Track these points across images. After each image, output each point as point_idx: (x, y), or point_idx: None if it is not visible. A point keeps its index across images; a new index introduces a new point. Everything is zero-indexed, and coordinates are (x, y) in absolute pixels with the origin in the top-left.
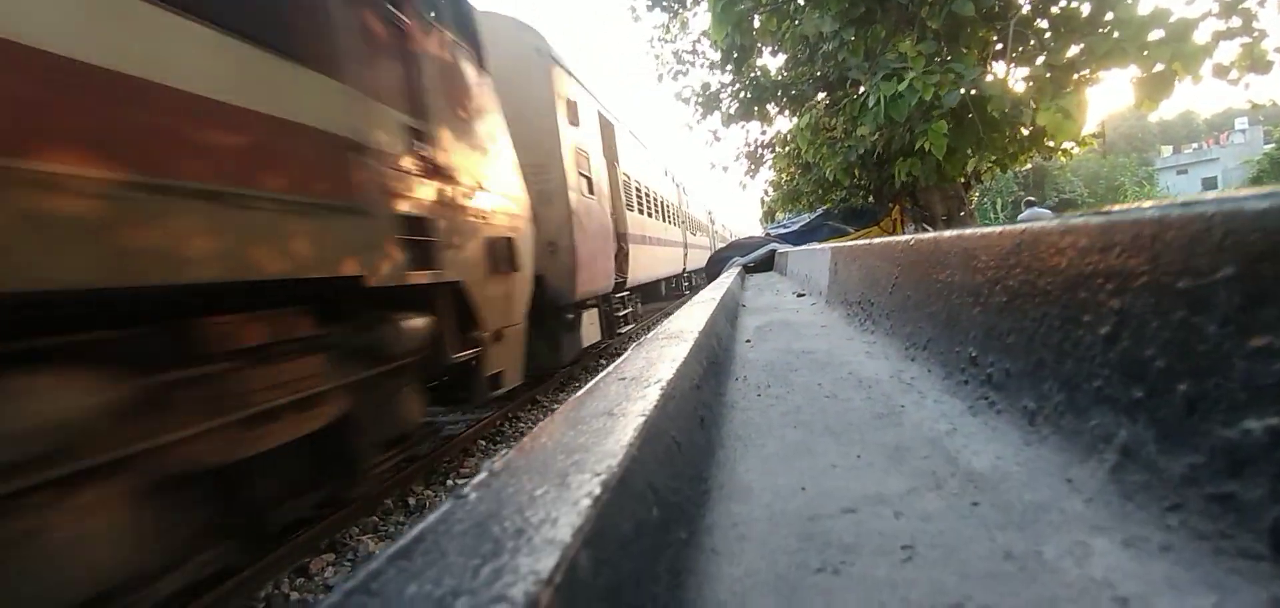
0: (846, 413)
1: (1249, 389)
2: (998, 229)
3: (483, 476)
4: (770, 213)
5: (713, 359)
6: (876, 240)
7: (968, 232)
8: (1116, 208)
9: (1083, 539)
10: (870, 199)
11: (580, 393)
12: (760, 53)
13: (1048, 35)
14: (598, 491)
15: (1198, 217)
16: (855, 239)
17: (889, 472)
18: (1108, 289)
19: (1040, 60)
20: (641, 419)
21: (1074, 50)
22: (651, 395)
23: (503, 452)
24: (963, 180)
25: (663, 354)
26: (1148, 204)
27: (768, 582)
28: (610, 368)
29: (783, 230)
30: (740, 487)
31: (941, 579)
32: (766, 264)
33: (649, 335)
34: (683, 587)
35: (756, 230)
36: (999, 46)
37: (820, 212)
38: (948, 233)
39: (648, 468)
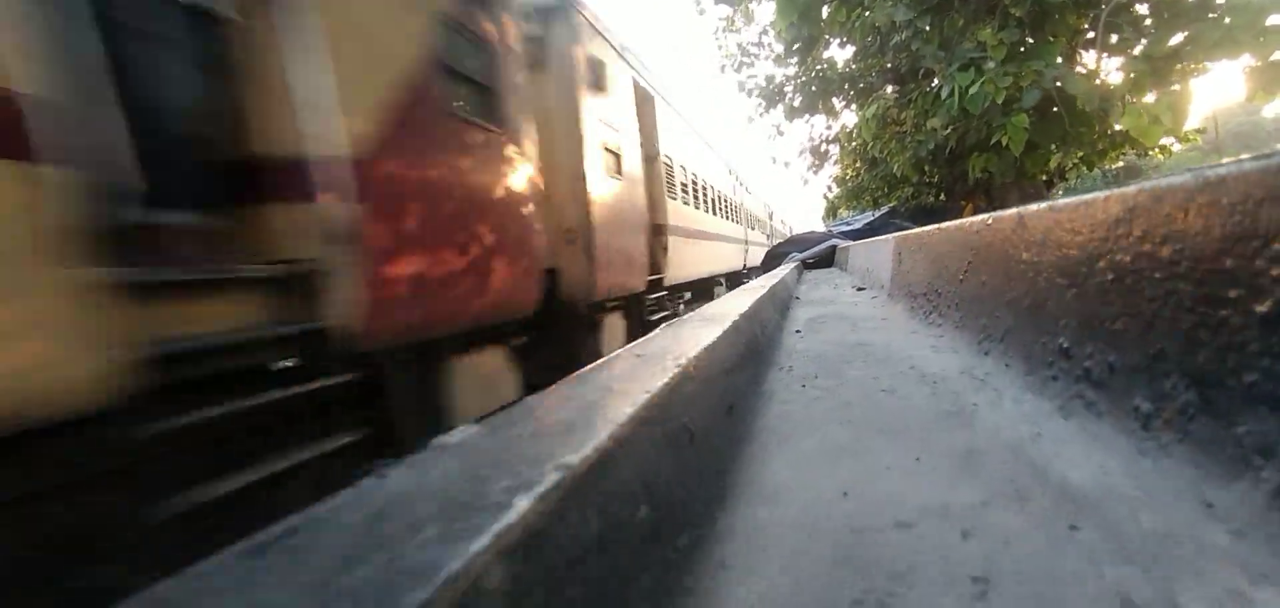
0: (906, 411)
1: None
2: (1102, 194)
3: (426, 450)
4: (833, 209)
5: (753, 346)
6: (946, 224)
7: (1061, 201)
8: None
9: (1236, 588)
10: (941, 197)
11: (586, 369)
12: (827, 44)
13: (1148, 22)
14: (548, 484)
15: None
16: None
17: (957, 481)
18: (1269, 253)
19: (1138, 50)
20: (645, 397)
21: (1177, 38)
22: (664, 376)
23: (470, 426)
24: (1045, 179)
25: (693, 335)
26: None
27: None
28: (630, 345)
29: (845, 228)
30: (768, 489)
31: None
32: (826, 260)
33: (685, 317)
34: (688, 575)
35: (818, 228)
36: (1090, 35)
37: (886, 210)
38: (1033, 206)
39: (642, 458)
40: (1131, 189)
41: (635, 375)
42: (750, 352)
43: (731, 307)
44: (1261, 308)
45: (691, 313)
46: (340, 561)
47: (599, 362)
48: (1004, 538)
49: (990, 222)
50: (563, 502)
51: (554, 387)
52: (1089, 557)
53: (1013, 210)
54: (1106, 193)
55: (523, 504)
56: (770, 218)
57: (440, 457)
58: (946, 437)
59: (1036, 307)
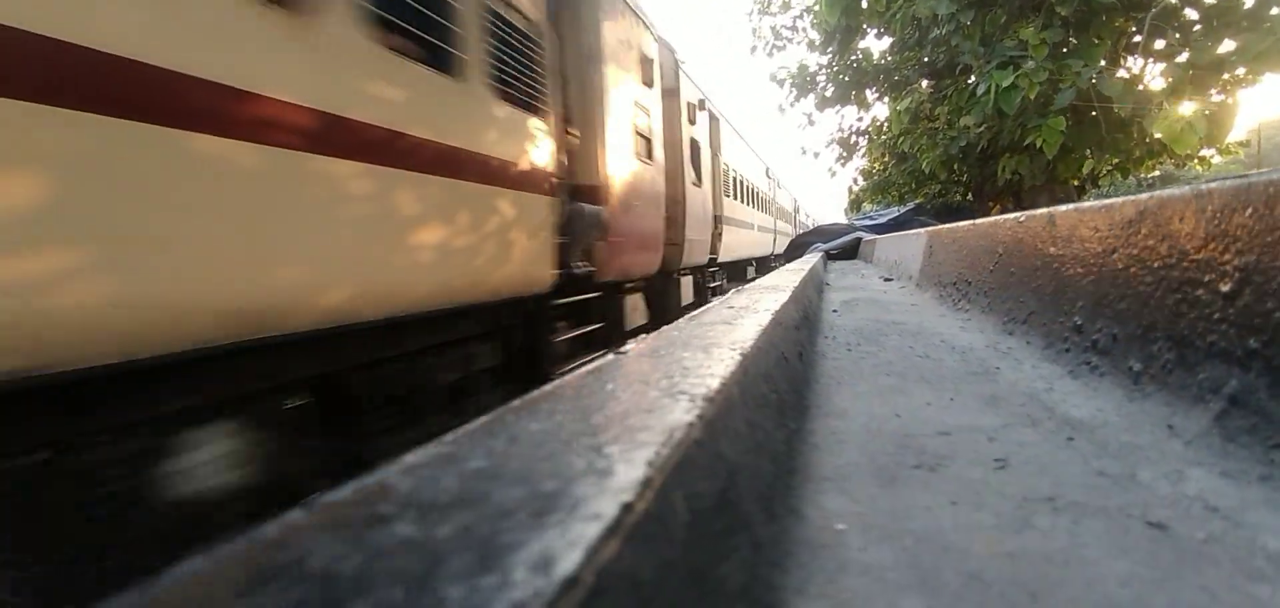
0: (939, 370)
1: None
2: (1120, 200)
3: (648, 339)
4: (857, 203)
5: (807, 313)
6: (980, 221)
7: (1086, 204)
8: (1253, 174)
9: (1179, 468)
10: (968, 197)
11: (696, 313)
12: (864, 34)
13: (1197, 28)
14: (737, 355)
15: None
16: None
17: (983, 412)
18: (1235, 247)
19: (1182, 57)
20: (758, 327)
21: (1226, 46)
22: (765, 318)
23: (682, 319)
24: (1077, 184)
25: (764, 299)
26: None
27: (868, 469)
28: (716, 302)
29: (869, 222)
30: (836, 409)
31: (1035, 484)
32: (850, 252)
33: (746, 286)
34: (795, 455)
35: (840, 220)
36: (1136, 38)
37: (911, 206)
38: (1063, 207)
39: (767, 362)
40: (1144, 197)
41: (739, 319)
42: (805, 318)
43: (784, 281)
44: (1224, 287)
45: (752, 282)
46: (640, 385)
47: (702, 310)
48: (1018, 443)
49: (1023, 220)
50: (746, 366)
51: (679, 323)
52: (1079, 454)
53: (1045, 210)
54: (1124, 199)
55: (731, 357)
56: (796, 211)
57: (680, 327)
58: (974, 386)
59: (1057, 292)
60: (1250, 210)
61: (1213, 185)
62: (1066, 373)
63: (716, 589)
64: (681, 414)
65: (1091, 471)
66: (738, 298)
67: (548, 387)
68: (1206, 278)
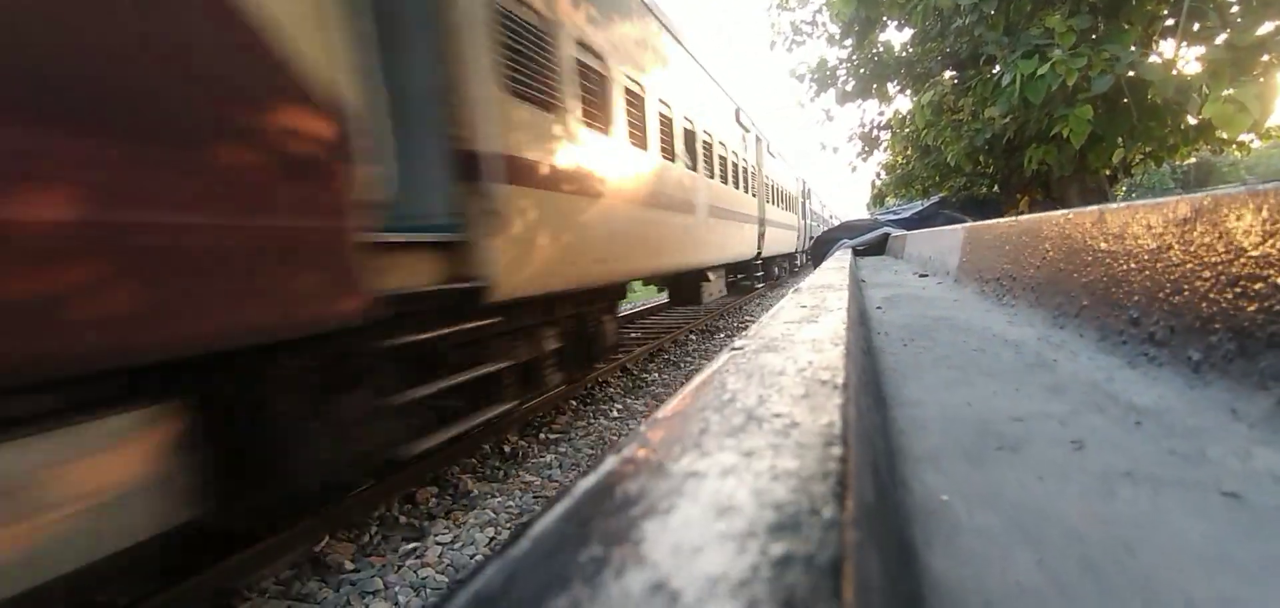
0: (997, 363)
1: None
2: (1173, 199)
3: (740, 341)
4: (880, 197)
5: (862, 309)
6: (1023, 217)
7: (1138, 203)
8: None
9: (1246, 447)
10: (995, 188)
11: (772, 309)
12: (884, 26)
13: (1234, 10)
14: (842, 350)
15: None
16: None
17: (1049, 400)
18: None
19: (1221, 39)
20: (842, 322)
21: (1268, 27)
22: (839, 315)
23: (743, 332)
24: (1108, 173)
25: (829, 298)
26: None
27: (954, 450)
28: (783, 301)
29: (893, 217)
30: (909, 399)
31: (1112, 461)
32: (877, 248)
33: (804, 283)
34: (888, 438)
35: (861, 215)
36: (1169, 21)
37: (936, 199)
38: (1113, 205)
39: (859, 357)
40: (1198, 197)
41: (820, 317)
42: (862, 315)
43: (836, 280)
44: (1277, 276)
45: (806, 280)
46: (778, 357)
47: (777, 305)
48: (1090, 427)
49: (1071, 216)
50: (847, 357)
51: (763, 317)
52: (1148, 435)
53: (1094, 208)
54: (1177, 198)
55: (836, 352)
56: (823, 209)
57: (753, 342)
58: (1035, 377)
59: (1110, 287)
60: None
61: (1269, 186)
62: (1125, 364)
63: (890, 540)
64: (837, 396)
65: (1162, 450)
66: (802, 297)
67: (719, 362)
68: (1265, 273)
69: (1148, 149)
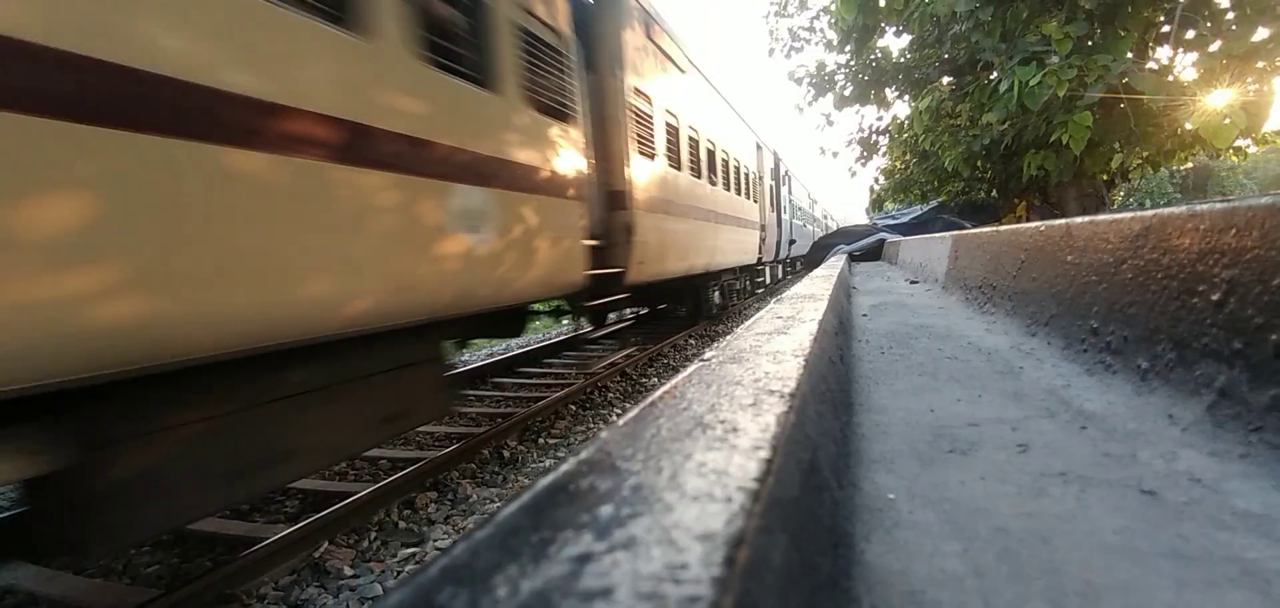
0: (967, 370)
1: None
2: (1128, 215)
3: (711, 353)
4: (879, 202)
5: (842, 318)
6: (1004, 228)
7: (1099, 217)
8: (1237, 197)
9: (1173, 450)
10: (993, 194)
11: (749, 322)
12: (882, 33)
13: (1228, 17)
14: (800, 364)
15: None
16: None
17: (1007, 406)
18: (1223, 262)
19: (1215, 47)
20: (809, 336)
21: (1262, 34)
22: (810, 327)
23: (712, 347)
24: (1106, 178)
25: (805, 309)
26: (1265, 196)
27: (908, 454)
28: (762, 310)
29: (891, 222)
30: (876, 406)
31: (1050, 463)
32: (873, 254)
33: (786, 293)
34: (847, 443)
35: (860, 219)
36: (1164, 29)
37: (934, 204)
38: (1079, 219)
39: (821, 365)
40: (1148, 214)
41: (790, 328)
42: (841, 323)
43: (819, 290)
44: (1215, 296)
45: (790, 290)
46: (735, 371)
47: (753, 320)
48: (1038, 431)
49: (1043, 228)
50: (809, 363)
51: (738, 330)
52: (1089, 439)
53: (1062, 221)
54: (1131, 214)
55: (801, 357)
56: (825, 217)
57: (723, 354)
58: (999, 384)
59: (1076, 297)
60: (1234, 231)
61: (1204, 207)
62: (1084, 371)
63: (818, 534)
64: (778, 403)
65: (1099, 453)
66: (782, 307)
67: (680, 376)
68: (1199, 287)
69: (1145, 154)
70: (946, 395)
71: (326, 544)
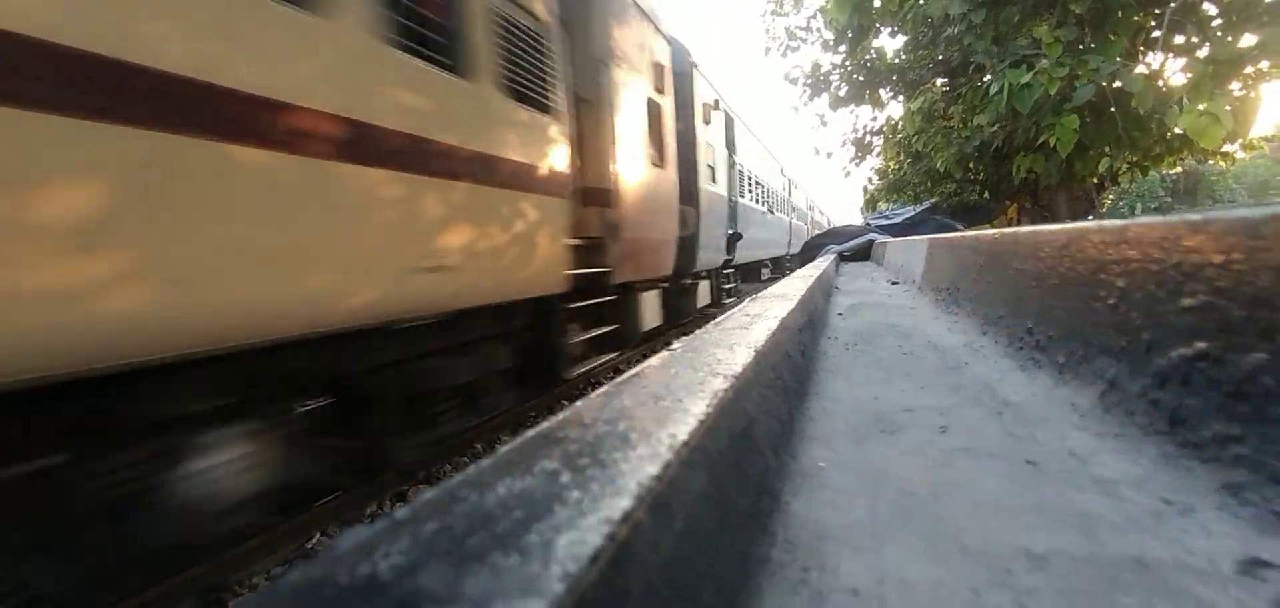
0: (920, 366)
1: (1176, 332)
2: (1058, 227)
3: (677, 344)
4: (872, 202)
5: (811, 316)
6: (969, 234)
7: (1040, 228)
8: (1138, 215)
9: (1066, 431)
10: (985, 195)
11: (720, 319)
12: (877, 33)
13: (1217, 23)
14: (753, 351)
15: (1168, 223)
16: None
17: (944, 397)
18: (1115, 272)
19: (1203, 52)
20: (768, 331)
21: (1249, 40)
22: (772, 323)
23: (677, 340)
24: (1095, 181)
25: (773, 306)
26: (1160, 219)
27: (846, 433)
28: (735, 309)
29: (884, 222)
30: (830, 395)
31: (962, 441)
32: (863, 254)
33: (761, 293)
34: (794, 424)
35: (855, 218)
36: (1156, 33)
37: (927, 205)
38: (1023, 229)
39: (776, 356)
40: (1072, 227)
41: (753, 325)
42: (810, 321)
43: (793, 289)
44: (1110, 300)
45: (765, 290)
46: (695, 357)
47: (722, 317)
48: (962, 417)
49: (998, 236)
50: (759, 358)
51: (707, 327)
52: (1003, 423)
53: (1012, 230)
54: (1057, 227)
55: (747, 353)
56: (825, 218)
57: (688, 344)
58: (943, 378)
59: (1019, 300)
60: (1124, 245)
61: (1104, 223)
62: (1017, 367)
63: (744, 483)
64: (721, 382)
65: (1005, 433)
66: (753, 305)
67: (630, 372)
68: (1102, 293)
69: (1134, 158)
70: (895, 387)
71: (318, 536)
